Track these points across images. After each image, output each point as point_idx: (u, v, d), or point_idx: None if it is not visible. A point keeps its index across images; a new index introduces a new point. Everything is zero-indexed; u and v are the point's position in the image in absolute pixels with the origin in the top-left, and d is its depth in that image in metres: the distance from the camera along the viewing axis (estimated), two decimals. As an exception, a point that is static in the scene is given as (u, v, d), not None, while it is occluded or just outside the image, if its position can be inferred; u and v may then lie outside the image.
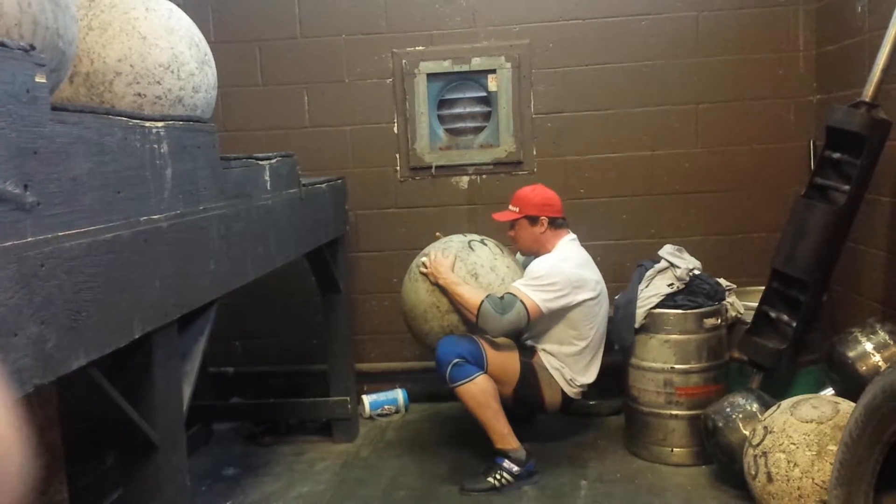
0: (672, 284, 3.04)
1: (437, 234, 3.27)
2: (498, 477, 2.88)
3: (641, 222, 3.72)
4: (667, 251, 3.17)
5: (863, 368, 2.60)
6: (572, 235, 3.15)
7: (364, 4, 3.71)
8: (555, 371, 3.01)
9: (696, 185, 3.68)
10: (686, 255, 3.18)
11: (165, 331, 1.73)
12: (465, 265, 3.01)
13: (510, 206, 3.14)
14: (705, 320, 3.01)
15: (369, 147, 3.78)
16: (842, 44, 3.28)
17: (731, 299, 3.14)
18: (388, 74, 3.74)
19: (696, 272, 3.10)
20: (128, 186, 1.55)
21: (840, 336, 2.74)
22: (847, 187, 2.74)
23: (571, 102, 3.69)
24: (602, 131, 3.69)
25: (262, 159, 2.45)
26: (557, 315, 2.96)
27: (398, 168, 3.79)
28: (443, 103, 3.77)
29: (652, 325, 3.03)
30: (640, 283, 3.11)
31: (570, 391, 3.04)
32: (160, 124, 1.73)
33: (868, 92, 2.70)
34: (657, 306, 3.02)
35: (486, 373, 2.86)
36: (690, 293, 3.04)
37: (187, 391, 1.89)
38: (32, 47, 1.25)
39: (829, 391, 2.76)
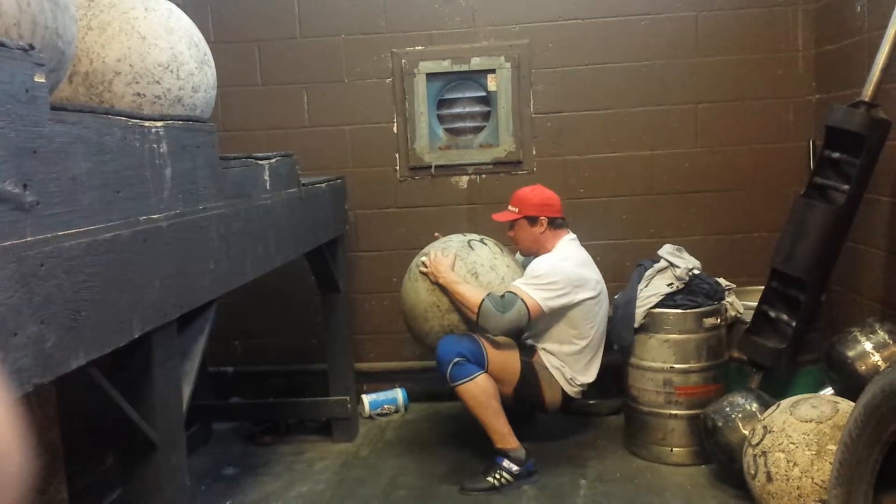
0: (671, 284, 3.04)
1: (436, 234, 3.27)
2: (497, 476, 2.88)
3: (641, 222, 3.72)
4: (666, 251, 3.17)
5: (862, 368, 2.60)
6: (572, 235, 3.15)
7: (363, 4, 3.71)
8: (555, 370, 3.01)
9: (695, 184, 3.68)
10: (685, 255, 3.18)
11: (165, 330, 1.73)
12: (465, 264, 3.01)
13: (509, 207, 3.14)
14: (705, 320, 3.01)
15: (369, 147, 3.78)
16: (841, 43, 3.28)
17: (730, 299, 3.14)
18: (388, 74, 3.74)
19: (696, 272, 3.10)
20: (127, 186, 1.55)
21: (839, 336, 2.75)
22: (846, 187, 2.74)
23: (571, 102, 3.69)
24: (602, 131, 3.69)
25: (261, 159, 2.45)
26: (558, 314, 2.96)
27: (398, 168, 3.79)
28: (442, 103, 3.78)
29: (651, 324, 3.04)
30: (639, 282, 3.11)
31: (571, 390, 3.04)
32: (159, 124, 1.73)
33: (867, 91, 2.70)
34: (657, 306, 3.02)
35: (486, 372, 2.86)
36: (690, 293, 3.04)
37: (187, 391, 1.89)
38: (32, 47, 1.25)
39: (829, 391, 2.76)
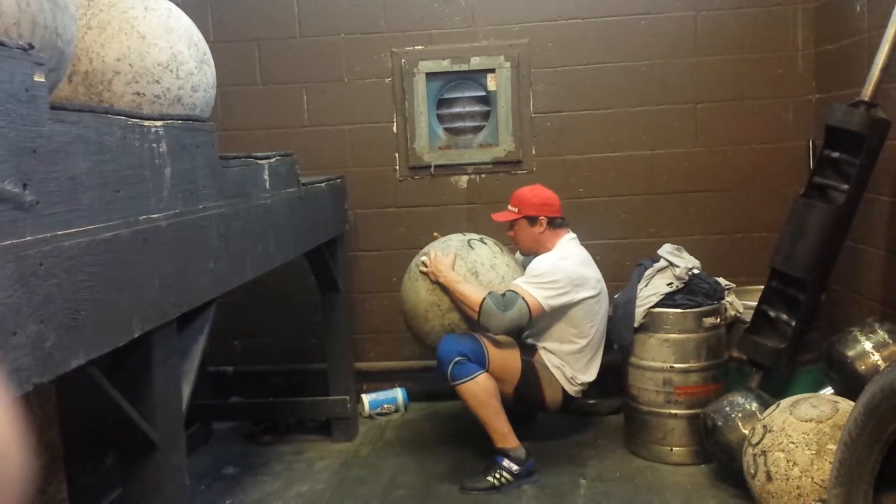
0: (671, 283, 3.04)
1: (435, 234, 3.27)
2: (498, 476, 2.88)
3: (641, 221, 3.72)
4: (666, 250, 3.17)
5: (862, 367, 2.60)
6: (572, 235, 3.15)
7: (363, 4, 3.71)
8: (555, 369, 3.01)
9: (695, 184, 3.68)
10: (685, 255, 3.18)
11: (165, 330, 1.73)
12: (465, 263, 3.01)
13: (509, 207, 3.14)
14: (704, 319, 3.01)
15: (368, 146, 3.78)
16: (841, 43, 3.28)
17: (730, 298, 3.14)
18: (388, 74, 3.74)
19: (696, 271, 3.10)
20: (127, 185, 1.55)
21: (839, 335, 2.74)
22: (846, 186, 2.74)
23: (571, 102, 3.69)
24: (601, 131, 3.69)
25: (261, 158, 2.45)
26: (558, 313, 2.96)
27: (397, 167, 3.79)
28: (442, 102, 3.77)
29: (651, 324, 3.04)
30: (639, 282, 3.11)
31: (571, 389, 3.04)
32: (159, 123, 1.73)
33: (867, 91, 2.70)
34: (656, 305, 3.02)
35: (487, 371, 2.86)
36: (689, 292, 3.04)
37: (187, 390, 1.89)
38: (31, 46, 1.25)
39: (829, 390, 2.76)
